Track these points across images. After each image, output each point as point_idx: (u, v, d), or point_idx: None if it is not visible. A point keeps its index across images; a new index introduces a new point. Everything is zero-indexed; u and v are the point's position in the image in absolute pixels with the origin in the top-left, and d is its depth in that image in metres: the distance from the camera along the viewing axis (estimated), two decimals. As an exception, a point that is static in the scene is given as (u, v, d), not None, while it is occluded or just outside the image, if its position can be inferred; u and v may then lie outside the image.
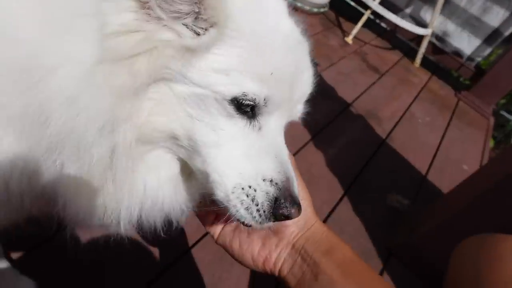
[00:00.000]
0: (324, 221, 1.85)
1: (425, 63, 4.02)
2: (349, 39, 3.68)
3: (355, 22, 3.71)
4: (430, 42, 3.90)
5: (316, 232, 0.77)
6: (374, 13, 3.64)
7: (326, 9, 4.00)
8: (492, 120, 3.69)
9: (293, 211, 0.67)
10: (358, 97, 2.96)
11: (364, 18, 3.59)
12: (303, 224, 0.78)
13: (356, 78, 3.22)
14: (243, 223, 0.69)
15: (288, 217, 0.68)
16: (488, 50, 3.79)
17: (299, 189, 0.75)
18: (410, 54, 4.08)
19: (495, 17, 3.57)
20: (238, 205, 0.67)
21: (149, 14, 0.56)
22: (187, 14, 0.59)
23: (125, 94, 0.59)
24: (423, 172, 2.54)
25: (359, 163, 2.33)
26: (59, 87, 0.57)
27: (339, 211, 1.95)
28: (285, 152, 0.73)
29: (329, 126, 2.50)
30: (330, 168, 2.17)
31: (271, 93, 0.66)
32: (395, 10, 3.84)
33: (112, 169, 0.65)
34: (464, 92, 3.79)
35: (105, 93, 0.58)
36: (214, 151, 0.67)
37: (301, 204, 0.73)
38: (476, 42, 3.76)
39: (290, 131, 2.47)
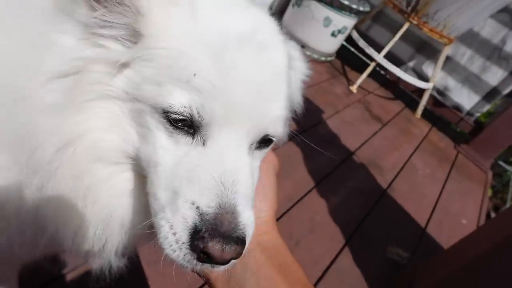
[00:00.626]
0: (325, 270, 1.89)
1: (426, 114, 4.15)
2: (354, 88, 3.83)
3: (360, 71, 3.88)
4: (431, 95, 4.06)
5: (269, 240, 0.67)
6: (379, 64, 3.81)
7: (333, 58, 4.19)
8: (490, 174, 3.77)
9: (217, 247, 0.54)
10: (361, 146, 3.06)
11: (369, 70, 3.75)
12: (256, 221, 0.66)
13: (359, 127, 3.34)
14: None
15: (207, 255, 0.54)
16: (487, 107, 3.93)
17: (259, 189, 0.68)
18: (412, 105, 4.22)
19: (493, 76, 3.74)
20: (159, 232, 0.58)
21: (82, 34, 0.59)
22: (113, 28, 0.59)
23: (61, 112, 0.59)
24: (423, 224, 2.58)
25: (361, 213, 2.39)
26: (28, 117, 0.61)
27: (340, 260, 1.99)
28: (232, 172, 0.60)
29: (332, 174, 2.57)
30: (333, 217, 2.22)
31: (204, 102, 0.58)
32: (399, 63, 4.02)
33: (81, 189, 0.63)
34: (463, 145, 3.89)
35: (46, 113, 0.59)
36: (154, 170, 0.61)
37: (259, 203, 0.66)
38: (475, 98, 3.91)
39: (294, 176, 2.55)
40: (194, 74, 0.58)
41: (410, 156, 3.31)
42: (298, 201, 2.19)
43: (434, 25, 3.43)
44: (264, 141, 0.68)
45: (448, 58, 3.83)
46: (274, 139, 0.69)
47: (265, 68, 0.64)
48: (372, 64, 3.74)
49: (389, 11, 3.97)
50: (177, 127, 0.60)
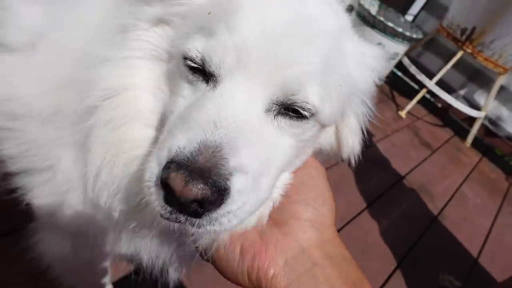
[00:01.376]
0: (378, 291, 1.91)
1: (475, 143, 4.07)
2: (403, 113, 3.84)
3: (408, 96, 3.89)
4: (482, 124, 3.98)
5: (338, 252, 0.59)
6: (429, 91, 3.81)
7: (381, 82, 4.19)
8: (545, 209, 3.62)
9: (178, 178, 0.47)
10: (411, 171, 3.06)
11: (419, 96, 3.76)
12: (319, 227, 0.60)
13: (409, 152, 3.33)
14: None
15: (169, 189, 0.48)
16: (542, 139, 3.81)
17: (317, 192, 0.62)
18: (461, 133, 4.16)
19: (551, 108, 3.64)
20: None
21: None
22: None
23: (108, 63, 0.63)
24: (475, 254, 2.53)
25: (412, 237, 2.39)
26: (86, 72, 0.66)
27: (392, 283, 2.00)
28: (231, 117, 0.53)
29: (383, 196, 2.59)
30: (384, 238, 2.24)
31: (215, 43, 0.55)
32: (449, 90, 3.99)
33: (114, 140, 0.64)
34: (516, 177, 3.78)
35: (97, 65, 0.63)
36: (168, 119, 0.61)
37: (319, 208, 0.59)
38: (530, 130, 3.81)
39: (346, 196, 2.62)
40: (209, 13, 0.57)
41: (461, 185, 3.26)
42: (350, 220, 2.23)
43: (489, 54, 3.41)
44: (294, 111, 0.59)
45: (502, 88, 3.77)
46: (305, 112, 0.59)
47: (292, 13, 0.57)
48: (423, 91, 3.75)
49: (442, 39, 3.98)
50: (195, 74, 0.59)
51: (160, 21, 0.64)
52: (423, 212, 2.69)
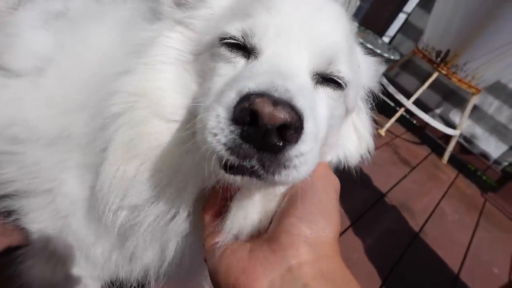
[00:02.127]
0: (364, 309, 1.91)
1: (452, 160, 4.20)
2: (382, 131, 3.94)
3: (386, 115, 4.00)
4: (458, 142, 4.13)
5: (335, 270, 0.55)
6: (406, 110, 3.93)
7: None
8: (519, 224, 3.75)
9: (266, 103, 0.46)
10: (392, 188, 3.12)
11: (397, 114, 3.87)
12: (314, 242, 0.55)
13: (389, 169, 3.41)
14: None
15: (254, 115, 0.46)
16: (514, 156, 3.98)
17: (318, 206, 0.57)
18: (438, 150, 4.29)
19: (521, 127, 3.82)
20: (203, 131, 0.51)
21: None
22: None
23: (131, 72, 0.67)
24: (455, 270, 2.59)
25: (395, 255, 2.42)
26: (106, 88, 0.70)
27: (378, 301, 2.01)
28: (287, 71, 0.56)
29: (366, 214, 2.63)
30: (368, 256, 2.27)
31: (256, 21, 0.61)
32: (426, 109, 4.14)
33: (134, 137, 0.66)
34: (490, 193, 3.91)
35: (120, 77, 0.66)
36: (207, 95, 0.61)
37: (317, 223, 0.54)
38: (503, 147, 3.97)
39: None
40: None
41: (439, 202, 3.35)
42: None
43: (463, 75, 3.57)
44: (331, 80, 0.66)
45: (475, 107, 3.94)
46: (340, 80, 0.66)
47: None
48: (401, 110, 3.87)
49: (418, 60, 4.14)
50: (232, 51, 0.63)
51: (179, 25, 0.69)
52: (405, 229, 2.74)
